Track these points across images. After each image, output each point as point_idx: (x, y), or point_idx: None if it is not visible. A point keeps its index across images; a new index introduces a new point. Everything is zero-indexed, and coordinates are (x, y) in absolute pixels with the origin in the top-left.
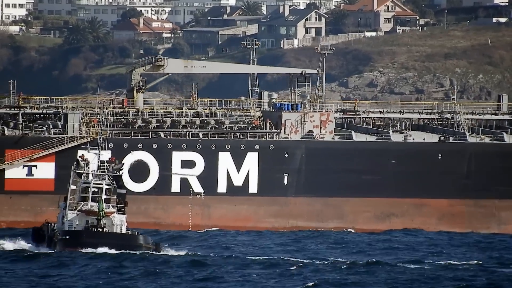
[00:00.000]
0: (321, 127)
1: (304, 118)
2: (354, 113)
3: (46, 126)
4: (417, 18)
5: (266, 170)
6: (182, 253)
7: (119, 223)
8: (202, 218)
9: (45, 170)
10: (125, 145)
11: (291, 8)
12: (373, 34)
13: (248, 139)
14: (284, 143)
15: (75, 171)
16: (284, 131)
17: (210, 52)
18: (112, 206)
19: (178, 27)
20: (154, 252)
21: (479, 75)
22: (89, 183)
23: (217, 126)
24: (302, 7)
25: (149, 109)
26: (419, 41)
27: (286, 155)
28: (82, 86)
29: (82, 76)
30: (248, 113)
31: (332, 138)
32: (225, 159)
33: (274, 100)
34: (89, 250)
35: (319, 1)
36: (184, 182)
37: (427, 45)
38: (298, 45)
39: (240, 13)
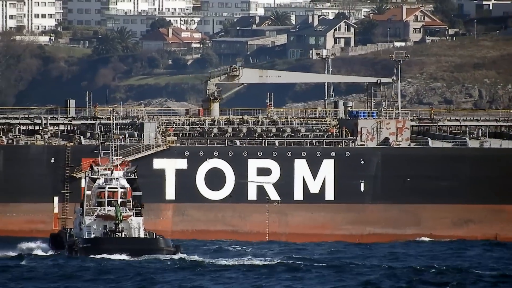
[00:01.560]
0: (397, 134)
1: (380, 125)
2: (430, 121)
3: (123, 135)
4: (447, 28)
5: (343, 177)
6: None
7: (136, 225)
8: (279, 226)
9: (122, 179)
10: (201, 153)
11: (320, 18)
12: (402, 44)
13: (324, 146)
14: (360, 150)
15: (89, 176)
16: (360, 138)
17: (239, 63)
18: (129, 209)
19: (207, 37)
20: (173, 255)
21: (508, 85)
22: (104, 188)
23: (293, 134)
24: (331, 17)
25: (225, 118)
26: (448, 51)
27: (362, 162)
28: (111, 97)
29: (111, 86)
30: (324, 122)
31: (408, 145)
32: (301, 166)
33: (349, 108)
34: (111, 256)
35: (349, 11)
36: (261, 189)
37: (456, 55)
38: (327, 55)
39: (269, 23)
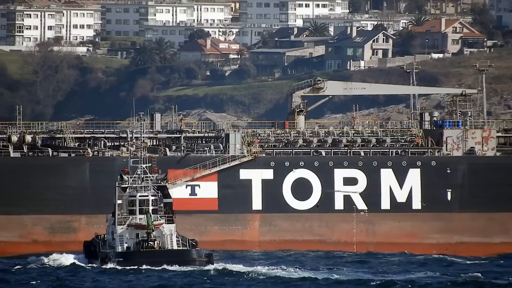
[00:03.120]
0: (483, 144)
1: (466, 135)
2: None
3: (208, 147)
4: (485, 39)
5: (429, 186)
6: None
7: (168, 233)
8: (366, 235)
9: (208, 190)
10: (287, 164)
11: (358, 29)
12: (440, 55)
13: (410, 155)
14: (446, 159)
15: (119, 185)
16: (446, 148)
17: (277, 74)
18: (160, 217)
19: (245, 48)
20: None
21: None
22: (135, 196)
23: (378, 144)
24: (369, 28)
25: (310, 129)
26: (487, 63)
27: (449, 171)
28: (150, 108)
29: (149, 97)
30: (409, 132)
31: (495, 154)
32: (387, 176)
33: (435, 118)
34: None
35: (387, 22)
36: (347, 199)
37: (495, 66)
38: (364, 66)
39: (308, 34)
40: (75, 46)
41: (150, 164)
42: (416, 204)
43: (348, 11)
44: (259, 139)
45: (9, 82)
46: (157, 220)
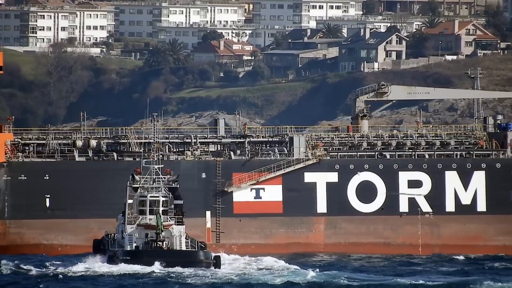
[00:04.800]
0: None
1: None
2: None
3: (273, 151)
4: (498, 41)
5: (494, 188)
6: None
7: (178, 234)
8: (431, 238)
9: (273, 193)
10: (351, 166)
11: (371, 31)
12: (454, 57)
13: (474, 158)
14: (511, 161)
15: (130, 185)
16: (510, 150)
17: (290, 75)
18: (170, 218)
19: (258, 49)
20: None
21: None
22: (146, 197)
23: (442, 147)
24: (383, 30)
25: (374, 133)
26: (500, 65)
27: None
28: (162, 109)
29: (162, 99)
30: (473, 135)
31: None
32: (452, 178)
33: (499, 121)
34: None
35: (400, 24)
36: (412, 201)
37: (508, 68)
38: (378, 68)
39: (321, 35)
40: (88, 47)
41: (162, 165)
42: (481, 206)
43: (361, 12)
44: (323, 142)
45: (23, 83)
46: (167, 221)
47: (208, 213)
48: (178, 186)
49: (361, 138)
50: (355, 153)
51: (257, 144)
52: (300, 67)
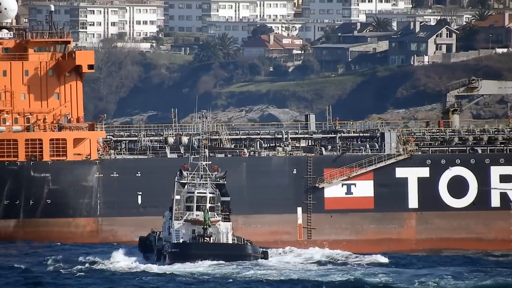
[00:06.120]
0: None
1: None
2: None
3: (364, 146)
4: None
5: None
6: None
7: (224, 230)
8: None
9: (364, 188)
10: (443, 162)
11: (421, 24)
12: (505, 50)
13: None
14: None
15: (178, 181)
16: None
17: (340, 69)
18: (217, 214)
19: (308, 43)
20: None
21: None
22: (193, 193)
23: None
24: (433, 23)
25: (465, 128)
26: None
27: None
28: (212, 103)
29: (212, 93)
30: None
31: None
32: None
33: None
34: (199, 263)
35: (450, 17)
36: (504, 196)
37: None
38: (428, 61)
39: (371, 29)
40: (138, 42)
41: (209, 162)
42: None
43: (411, 6)
44: (414, 137)
45: None
46: (214, 217)
47: (299, 209)
48: (225, 182)
49: (453, 133)
50: (447, 148)
51: (348, 139)
52: (350, 61)
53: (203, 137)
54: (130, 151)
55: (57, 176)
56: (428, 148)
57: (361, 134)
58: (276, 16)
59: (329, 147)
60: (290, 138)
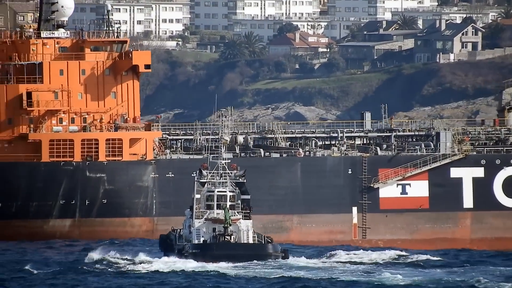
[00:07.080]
0: None
1: None
2: None
3: (419, 146)
4: None
5: None
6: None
7: (245, 229)
8: None
9: (419, 188)
10: (498, 161)
11: (447, 22)
12: None
13: None
14: None
15: (198, 180)
16: None
17: (366, 67)
18: (238, 212)
19: (334, 41)
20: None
21: None
22: (213, 191)
23: None
24: (458, 21)
25: None
26: None
27: None
28: (238, 101)
29: (238, 91)
30: None
31: None
32: None
33: None
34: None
35: (476, 15)
36: None
37: None
38: (454, 59)
39: (397, 27)
40: (164, 41)
41: (229, 161)
42: None
43: (436, 4)
44: (469, 137)
45: None
46: (235, 216)
47: (354, 209)
48: (245, 181)
49: (508, 132)
50: (502, 148)
51: (403, 138)
52: (376, 59)
53: (221, 136)
54: (186, 149)
55: (112, 177)
56: (483, 148)
57: (416, 133)
58: (302, 14)
59: (384, 146)
60: (346, 137)
